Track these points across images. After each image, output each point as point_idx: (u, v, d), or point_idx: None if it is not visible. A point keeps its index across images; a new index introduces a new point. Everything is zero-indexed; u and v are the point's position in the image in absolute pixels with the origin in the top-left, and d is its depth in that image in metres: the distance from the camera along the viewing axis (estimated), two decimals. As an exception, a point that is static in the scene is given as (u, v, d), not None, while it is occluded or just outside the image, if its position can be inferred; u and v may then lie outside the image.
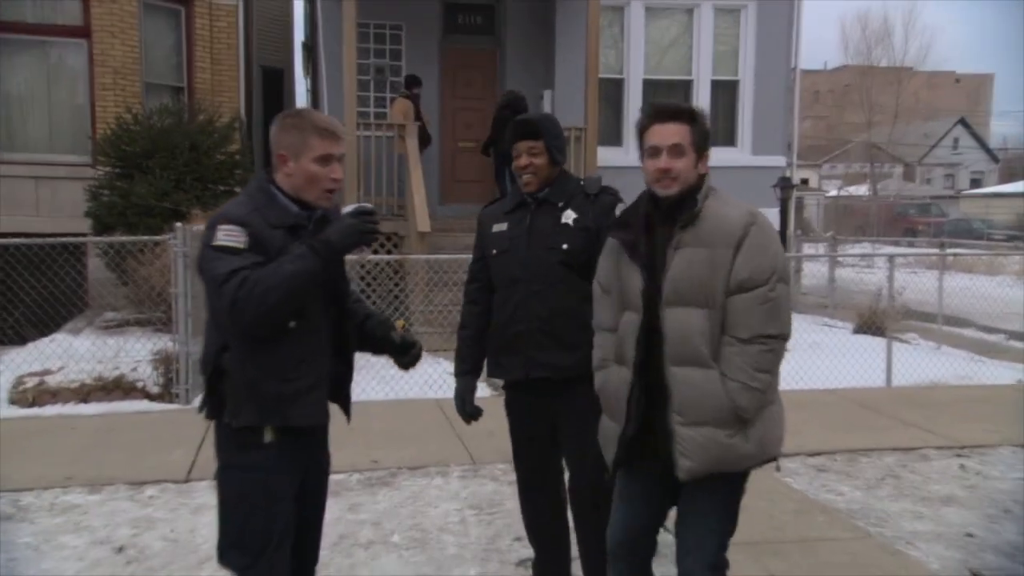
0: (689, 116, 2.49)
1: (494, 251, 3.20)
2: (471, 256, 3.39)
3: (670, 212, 2.48)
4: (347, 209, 2.43)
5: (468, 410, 3.31)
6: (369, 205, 2.47)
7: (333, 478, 5.13)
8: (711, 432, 2.40)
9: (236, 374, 2.43)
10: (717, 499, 2.52)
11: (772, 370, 2.46)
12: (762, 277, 2.39)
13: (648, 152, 2.49)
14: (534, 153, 3.09)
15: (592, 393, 2.74)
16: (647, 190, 2.56)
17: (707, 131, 2.53)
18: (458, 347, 3.38)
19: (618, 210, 2.98)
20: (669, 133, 2.45)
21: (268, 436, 2.45)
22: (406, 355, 2.76)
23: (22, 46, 10.76)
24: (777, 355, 2.46)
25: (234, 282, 2.28)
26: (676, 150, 2.45)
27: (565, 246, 3.07)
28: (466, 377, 3.34)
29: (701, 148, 2.49)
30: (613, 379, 2.58)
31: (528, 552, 3.90)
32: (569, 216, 3.10)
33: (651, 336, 2.46)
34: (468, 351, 3.34)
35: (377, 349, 2.79)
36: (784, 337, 2.45)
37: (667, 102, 2.60)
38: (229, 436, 2.48)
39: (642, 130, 2.52)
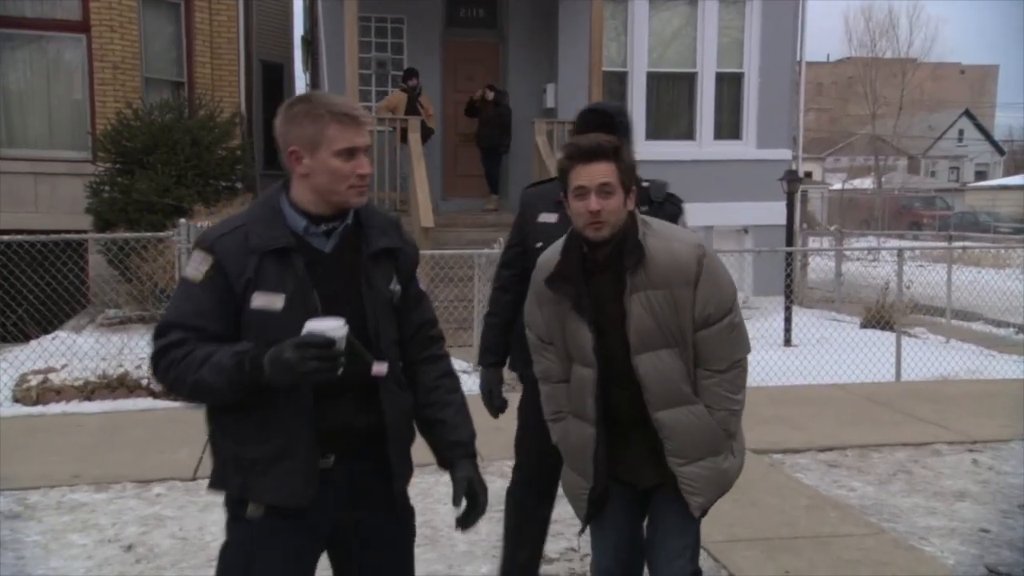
0: (613, 153, 2.36)
1: (539, 244, 2.91)
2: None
3: (611, 257, 2.37)
4: (309, 326, 1.81)
5: (496, 403, 3.20)
6: (326, 334, 1.79)
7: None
8: (710, 463, 2.42)
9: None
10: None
11: (745, 385, 2.48)
12: (727, 305, 2.40)
13: (575, 193, 2.35)
14: None
15: None
16: (571, 235, 2.44)
17: (632, 166, 2.42)
18: (485, 335, 3.24)
19: (680, 222, 2.87)
20: (596, 172, 2.33)
21: (251, 510, 1.99)
22: (469, 510, 2.16)
23: (21, 41, 10.77)
24: (746, 370, 2.48)
25: (161, 343, 1.94)
26: (605, 189, 2.32)
27: None
28: (494, 368, 3.20)
29: (628, 185, 2.38)
30: (573, 434, 2.52)
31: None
32: None
33: (608, 389, 2.42)
34: (497, 341, 3.18)
35: (439, 461, 2.22)
36: (749, 351, 2.49)
37: (589, 139, 2.43)
38: (225, 497, 2.08)
39: (564, 171, 2.38)
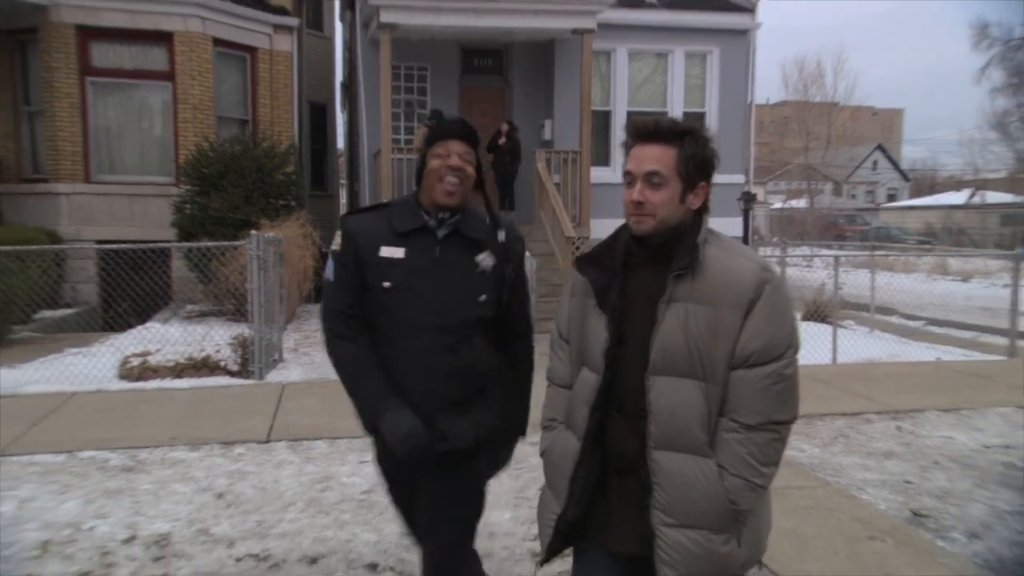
0: (674, 135, 1.66)
1: (386, 284, 2.07)
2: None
3: (658, 255, 1.68)
4: None
5: (435, 440, 2.13)
6: None
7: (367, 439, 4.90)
8: (704, 538, 1.62)
9: None
10: None
11: (779, 461, 1.69)
12: (778, 350, 1.64)
13: (624, 179, 1.71)
14: (468, 160, 2.08)
15: (473, 467, 2.08)
16: (625, 225, 1.76)
17: (703, 156, 1.66)
18: (370, 394, 2.08)
19: (528, 265, 2.19)
20: (646, 157, 1.66)
21: None
22: None
23: (119, 88, 10.77)
24: (785, 443, 1.69)
25: None
26: (652, 179, 1.65)
27: (483, 298, 2.09)
28: (404, 408, 2.05)
29: (690, 178, 1.66)
30: (557, 446, 1.79)
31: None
32: (487, 261, 2.10)
33: (608, 403, 1.71)
34: (386, 388, 2.07)
35: None
36: (795, 421, 1.70)
37: (649, 118, 1.72)
38: None
39: (627, 150, 1.75)
